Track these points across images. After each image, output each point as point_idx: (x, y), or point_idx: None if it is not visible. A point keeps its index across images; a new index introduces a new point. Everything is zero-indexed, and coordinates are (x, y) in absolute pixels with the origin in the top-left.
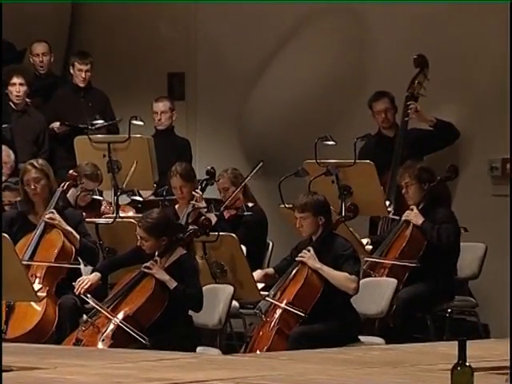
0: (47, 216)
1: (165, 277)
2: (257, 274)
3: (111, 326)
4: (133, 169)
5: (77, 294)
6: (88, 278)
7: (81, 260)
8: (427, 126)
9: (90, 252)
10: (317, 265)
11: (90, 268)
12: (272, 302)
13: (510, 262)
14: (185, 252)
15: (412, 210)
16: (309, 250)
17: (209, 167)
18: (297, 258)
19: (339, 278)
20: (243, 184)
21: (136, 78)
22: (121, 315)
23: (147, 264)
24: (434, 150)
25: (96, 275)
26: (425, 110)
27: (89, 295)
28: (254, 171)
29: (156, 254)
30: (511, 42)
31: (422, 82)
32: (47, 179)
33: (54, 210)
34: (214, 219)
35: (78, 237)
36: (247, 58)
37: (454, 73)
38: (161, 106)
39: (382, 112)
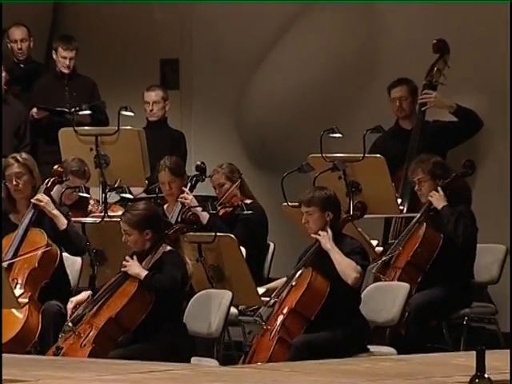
0: (36, 197)
1: (136, 270)
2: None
3: (93, 331)
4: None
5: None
6: (75, 298)
7: (65, 250)
8: (447, 117)
9: (75, 236)
10: (328, 245)
11: (77, 264)
12: (273, 309)
13: (510, 265)
14: (169, 249)
15: (438, 191)
16: (327, 231)
17: (198, 162)
18: (313, 235)
19: (344, 263)
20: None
21: (125, 65)
22: (103, 318)
23: (124, 262)
24: (454, 143)
25: (85, 293)
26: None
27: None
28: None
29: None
30: (511, 41)
31: (442, 70)
32: (30, 175)
33: (43, 193)
34: (205, 218)
35: (65, 221)
36: (247, 43)
37: (473, 60)
38: (153, 95)
39: (396, 100)
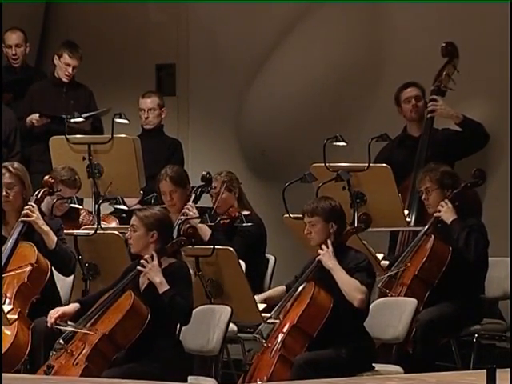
0: (26, 208)
1: (156, 278)
2: (258, 298)
3: (86, 349)
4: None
5: (49, 326)
6: (62, 308)
7: (54, 269)
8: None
9: (64, 256)
10: (329, 263)
11: (69, 279)
12: (274, 326)
13: (509, 278)
14: (176, 260)
15: (446, 203)
16: (327, 246)
17: (204, 172)
18: (317, 258)
19: (349, 283)
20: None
21: (119, 70)
22: (96, 334)
23: (142, 260)
24: (462, 154)
25: (73, 306)
26: (450, 106)
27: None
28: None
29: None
30: (511, 41)
31: (451, 75)
32: (22, 185)
33: (34, 204)
34: (207, 233)
35: (54, 238)
36: (246, 46)
37: (484, 65)
38: (148, 102)
39: (412, 98)
